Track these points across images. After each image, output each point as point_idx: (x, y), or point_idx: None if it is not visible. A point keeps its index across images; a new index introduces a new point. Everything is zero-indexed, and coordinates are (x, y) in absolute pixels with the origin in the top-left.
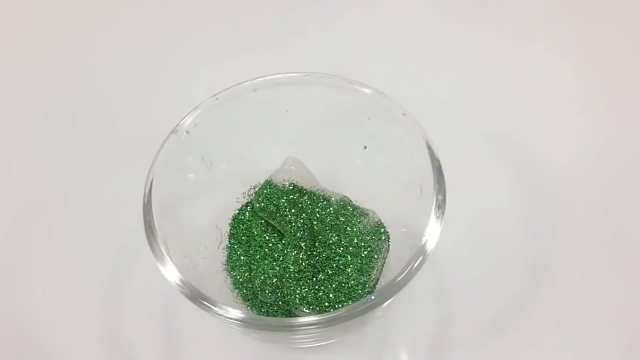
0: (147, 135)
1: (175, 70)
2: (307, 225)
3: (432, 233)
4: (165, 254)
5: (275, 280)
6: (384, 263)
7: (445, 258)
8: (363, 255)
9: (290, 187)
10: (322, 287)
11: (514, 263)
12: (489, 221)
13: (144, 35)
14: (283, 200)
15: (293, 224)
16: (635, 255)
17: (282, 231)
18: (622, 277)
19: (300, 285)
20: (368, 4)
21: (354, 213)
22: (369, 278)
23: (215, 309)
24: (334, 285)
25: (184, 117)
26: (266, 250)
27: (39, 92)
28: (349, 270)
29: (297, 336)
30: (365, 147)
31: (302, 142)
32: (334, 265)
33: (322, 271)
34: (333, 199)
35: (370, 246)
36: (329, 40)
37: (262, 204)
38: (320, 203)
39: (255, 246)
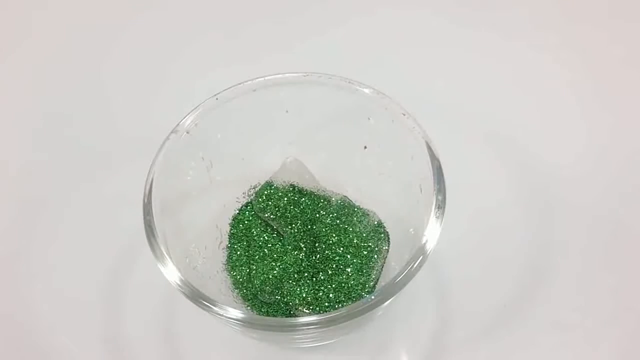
0: (147, 135)
1: (176, 71)
2: (307, 225)
3: (432, 233)
4: (165, 254)
5: (275, 280)
6: (384, 263)
7: (445, 258)
8: (363, 255)
9: (290, 188)
10: (322, 287)
11: (514, 263)
12: (489, 221)
13: (145, 36)
14: (283, 201)
15: (293, 224)
16: (635, 255)
17: (281, 232)
18: (622, 277)
19: (300, 285)
20: (368, 7)
21: (354, 213)
22: (368, 278)
23: (215, 308)
24: (333, 286)
25: (184, 117)
26: (266, 250)
27: (40, 92)
28: (349, 270)
29: (297, 336)
30: (365, 147)
31: (302, 142)
32: (334, 265)
33: (322, 271)
34: (333, 199)
35: (370, 246)
36: (329, 42)
37: (262, 205)
38: (321, 203)
39: (255, 246)
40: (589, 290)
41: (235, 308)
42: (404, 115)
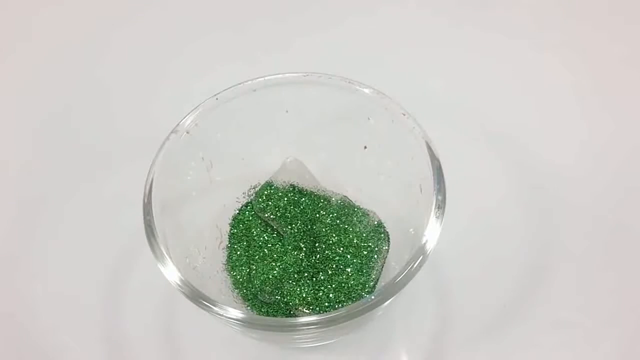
0: (147, 135)
1: (176, 71)
2: (307, 225)
3: (432, 233)
4: (165, 254)
5: (275, 280)
6: (384, 263)
7: (445, 258)
8: (363, 255)
9: (290, 188)
10: (322, 287)
11: (514, 263)
12: (489, 221)
13: (145, 36)
14: (283, 201)
15: (293, 224)
16: (635, 255)
17: (281, 232)
18: (622, 277)
19: (300, 285)
20: (368, 7)
21: (354, 213)
22: (368, 278)
23: (215, 309)
24: (333, 286)
25: (184, 117)
26: (266, 250)
27: (40, 92)
28: (349, 270)
29: (297, 336)
30: (365, 147)
31: (302, 142)
32: (334, 265)
33: (322, 271)
34: (333, 199)
35: (370, 246)
36: (329, 42)
37: (262, 205)
38: (321, 203)
39: (255, 246)
40: (589, 290)
41: (235, 308)
42: (404, 115)
